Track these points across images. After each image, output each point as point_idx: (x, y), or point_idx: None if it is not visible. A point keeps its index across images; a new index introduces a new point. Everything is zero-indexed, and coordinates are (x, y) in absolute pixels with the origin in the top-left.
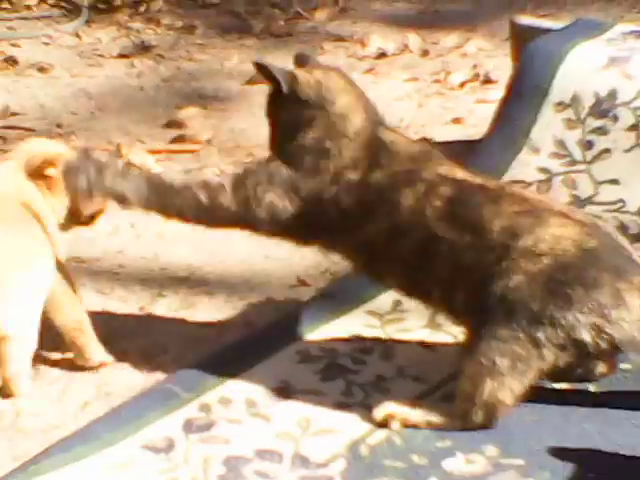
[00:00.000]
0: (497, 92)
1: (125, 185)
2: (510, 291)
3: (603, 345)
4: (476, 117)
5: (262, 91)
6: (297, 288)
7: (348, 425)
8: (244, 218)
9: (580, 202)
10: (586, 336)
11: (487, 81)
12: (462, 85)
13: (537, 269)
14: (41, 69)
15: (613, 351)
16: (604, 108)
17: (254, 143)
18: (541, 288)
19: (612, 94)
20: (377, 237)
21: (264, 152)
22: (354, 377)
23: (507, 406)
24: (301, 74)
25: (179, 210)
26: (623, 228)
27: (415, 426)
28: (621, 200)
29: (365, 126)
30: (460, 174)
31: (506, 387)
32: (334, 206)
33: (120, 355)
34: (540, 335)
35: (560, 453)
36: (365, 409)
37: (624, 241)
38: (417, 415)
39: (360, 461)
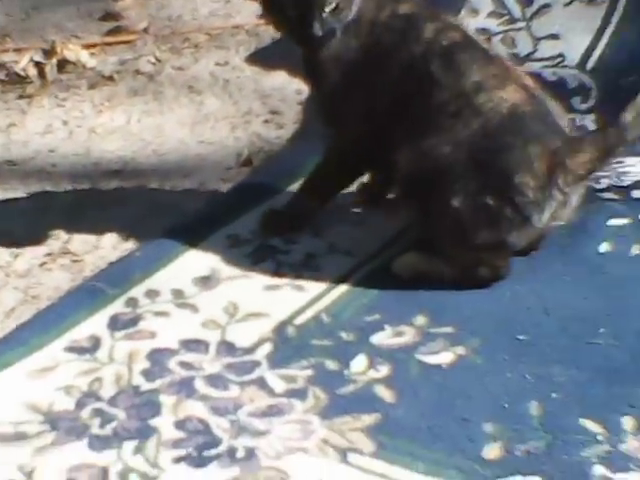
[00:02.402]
0: None
1: None
2: (443, 156)
3: (507, 211)
4: None
5: None
6: (232, 171)
7: (276, 307)
8: None
9: (519, 59)
10: (490, 200)
11: None
12: None
13: (466, 135)
14: None
15: (521, 219)
16: None
17: (190, 28)
18: (465, 155)
19: None
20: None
21: (200, 37)
22: (285, 257)
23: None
24: None
25: None
26: (562, 83)
27: (428, 278)
28: (560, 55)
29: None
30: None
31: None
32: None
33: (48, 256)
34: (456, 203)
35: (490, 317)
36: (294, 289)
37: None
38: (433, 266)
39: (287, 343)
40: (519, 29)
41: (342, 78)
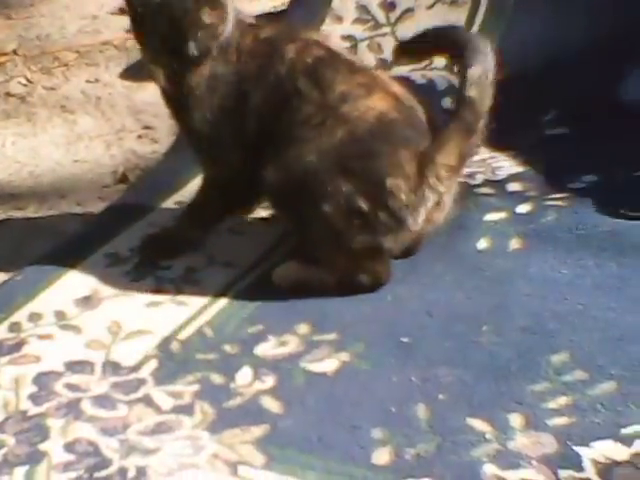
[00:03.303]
0: None
1: None
2: (308, 164)
3: (381, 215)
4: None
5: None
6: (108, 189)
7: (159, 324)
8: None
9: (387, 65)
10: (363, 204)
11: None
12: None
13: (331, 143)
14: None
15: (396, 222)
16: None
17: (60, 47)
18: (331, 162)
19: None
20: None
21: (70, 55)
22: (165, 273)
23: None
24: None
25: None
26: (432, 86)
27: (308, 287)
28: None
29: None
30: (333, 46)
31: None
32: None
33: None
34: (327, 208)
35: (373, 321)
36: (176, 305)
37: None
38: (313, 274)
39: (171, 359)
40: (384, 34)
41: (214, 106)
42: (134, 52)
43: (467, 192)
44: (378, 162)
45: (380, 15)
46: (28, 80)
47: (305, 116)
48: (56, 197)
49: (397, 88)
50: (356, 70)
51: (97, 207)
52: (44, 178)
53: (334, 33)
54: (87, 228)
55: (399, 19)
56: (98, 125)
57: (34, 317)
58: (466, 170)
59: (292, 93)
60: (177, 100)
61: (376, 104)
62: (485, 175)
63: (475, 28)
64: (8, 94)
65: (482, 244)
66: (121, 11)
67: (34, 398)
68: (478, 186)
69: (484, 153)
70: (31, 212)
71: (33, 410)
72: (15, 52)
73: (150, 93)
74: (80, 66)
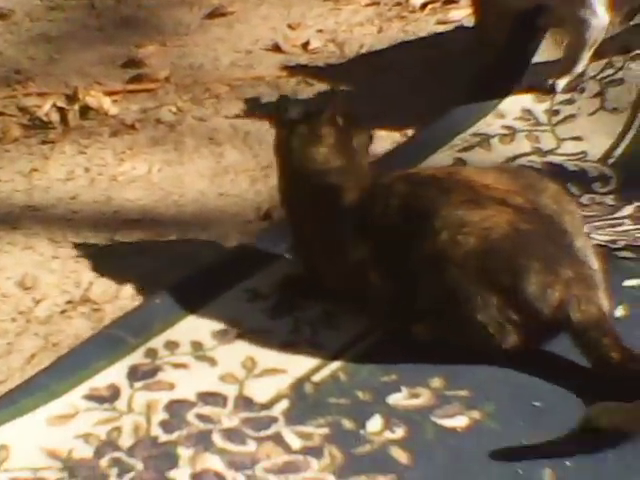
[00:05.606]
0: (459, 12)
1: None
2: (449, 279)
3: (533, 325)
4: (437, 39)
5: (221, 23)
6: (251, 224)
7: (294, 364)
8: None
9: (542, 153)
10: (514, 316)
11: (449, 1)
12: (423, 7)
13: (464, 251)
14: (1, 16)
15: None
16: (574, 84)
17: (212, 78)
18: (473, 272)
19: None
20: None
21: (221, 88)
22: (302, 314)
23: None
24: None
25: None
26: (583, 173)
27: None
28: (583, 152)
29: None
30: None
31: None
32: None
33: (68, 304)
34: (480, 318)
35: (506, 382)
36: (312, 347)
37: (569, 224)
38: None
39: (304, 400)
40: (544, 130)
41: None
42: (285, 89)
43: (607, 256)
44: (526, 282)
45: (543, 117)
46: (178, 109)
47: (422, 249)
48: (198, 228)
49: (510, 196)
50: (447, 187)
51: (238, 241)
52: (187, 208)
53: (495, 124)
54: (228, 261)
55: (560, 122)
56: (245, 160)
57: (170, 345)
58: (608, 237)
59: (396, 234)
60: None
61: (497, 215)
62: (627, 241)
63: (632, 133)
64: (158, 121)
65: (619, 311)
66: (275, 48)
67: (165, 425)
68: (619, 250)
69: (629, 225)
70: (174, 241)
71: (163, 437)
72: (167, 79)
73: None
74: (231, 99)
